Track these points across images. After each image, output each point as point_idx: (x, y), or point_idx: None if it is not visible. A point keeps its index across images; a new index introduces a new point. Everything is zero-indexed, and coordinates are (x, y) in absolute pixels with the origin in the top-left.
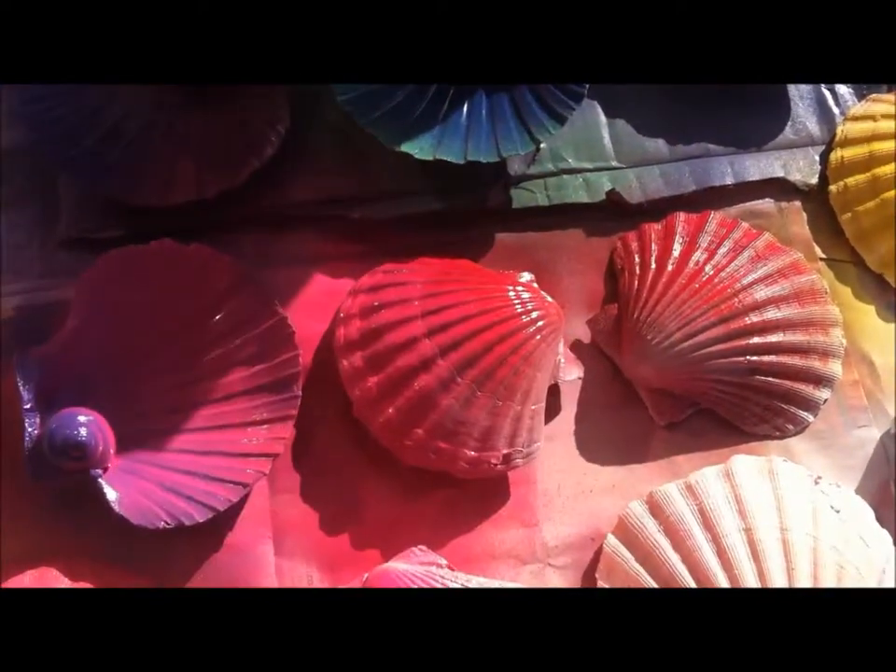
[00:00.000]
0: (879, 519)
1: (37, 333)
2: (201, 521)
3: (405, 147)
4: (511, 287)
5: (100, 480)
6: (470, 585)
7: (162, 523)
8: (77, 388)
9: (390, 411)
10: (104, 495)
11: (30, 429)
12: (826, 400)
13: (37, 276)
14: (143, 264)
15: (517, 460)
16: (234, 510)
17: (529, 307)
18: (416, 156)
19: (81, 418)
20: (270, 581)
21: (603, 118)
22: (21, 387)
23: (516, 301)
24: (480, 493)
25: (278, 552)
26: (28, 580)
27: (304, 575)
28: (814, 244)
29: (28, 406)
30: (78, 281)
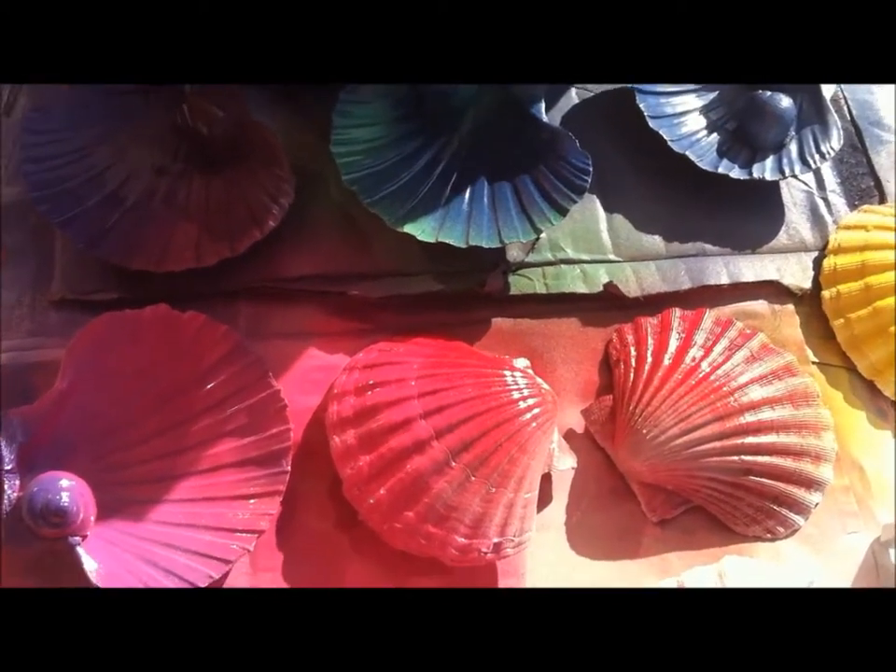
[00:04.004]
0: None
1: (22, 393)
2: None
3: (408, 228)
4: (508, 372)
5: (78, 548)
6: None
7: None
8: (60, 452)
9: (381, 492)
10: (81, 564)
11: (9, 491)
12: (817, 504)
13: (26, 335)
14: (137, 329)
15: (507, 549)
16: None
17: (526, 393)
18: (419, 237)
19: (63, 483)
20: None
21: (602, 211)
22: (3, 447)
23: (513, 387)
24: (466, 584)
25: None
26: None
27: None
28: (806, 347)
29: (9, 467)
30: (70, 342)
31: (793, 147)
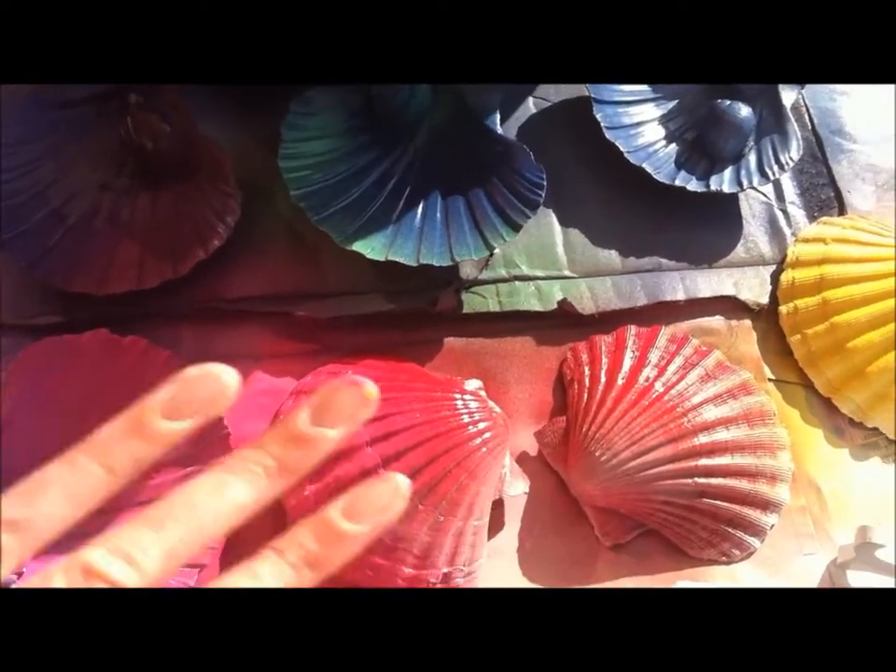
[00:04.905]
0: None
1: None
2: None
3: (357, 247)
4: (458, 396)
5: (13, 586)
6: None
7: None
8: None
9: None
10: None
11: None
12: (773, 526)
13: None
14: (76, 354)
15: (457, 579)
16: None
17: (476, 417)
18: (368, 256)
19: None
20: None
21: (558, 226)
22: None
23: (463, 411)
24: None
25: None
26: None
27: None
28: (763, 364)
29: None
30: (6, 371)
31: (752, 158)
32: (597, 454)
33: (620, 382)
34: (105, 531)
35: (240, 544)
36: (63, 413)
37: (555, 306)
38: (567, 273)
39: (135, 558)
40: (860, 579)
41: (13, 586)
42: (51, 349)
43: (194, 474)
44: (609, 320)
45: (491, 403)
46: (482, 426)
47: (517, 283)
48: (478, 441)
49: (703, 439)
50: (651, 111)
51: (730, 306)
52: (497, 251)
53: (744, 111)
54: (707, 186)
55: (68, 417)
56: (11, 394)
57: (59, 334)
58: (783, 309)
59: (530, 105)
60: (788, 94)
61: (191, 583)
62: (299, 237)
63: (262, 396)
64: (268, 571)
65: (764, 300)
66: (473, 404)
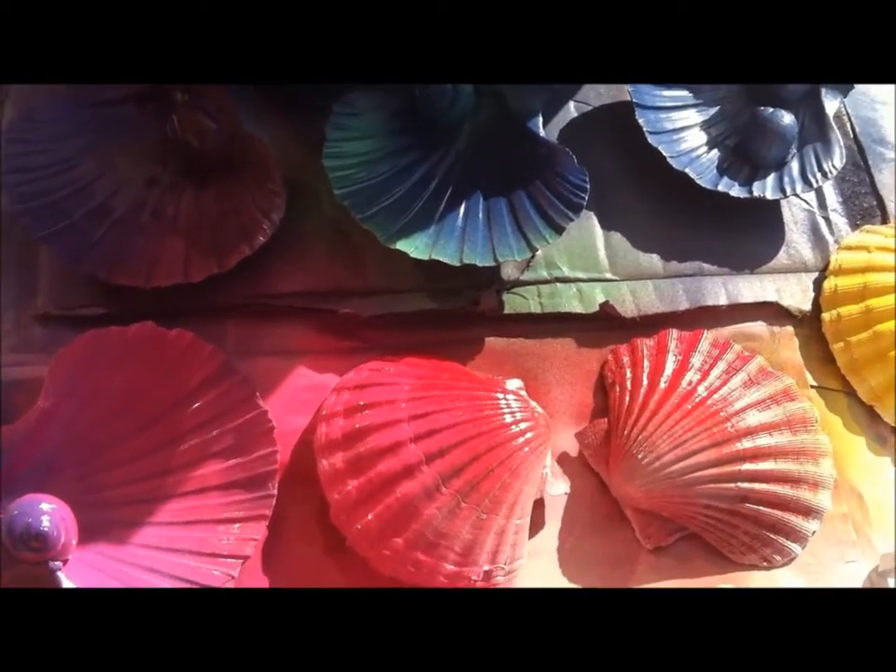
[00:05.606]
0: None
1: (4, 410)
2: None
3: (400, 245)
4: (501, 395)
5: (59, 573)
6: None
7: None
8: (42, 472)
9: (369, 518)
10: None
11: None
12: (815, 532)
13: (10, 350)
14: (122, 347)
15: (498, 577)
16: None
17: (518, 417)
18: (411, 255)
19: (44, 506)
20: None
21: (599, 229)
22: None
23: (505, 410)
24: None
25: None
26: None
27: None
28: (805, 370)
29: None
30: (53, 360)
31: (795, 165)
32: (640, 456)
33: (662, 385)
34: (152, 520)
35: (283, 536)
36: (108, 403)
37: (597, 308)
38: (608, 275)
39: None
40: None
41: (59, 573)
42: (98, 340)
43: (237, 467)
44: (651, 324)
45: (533, 403)
46: (524, 425)
47: (558, 285)
48: (520, 440)
49: (746, 444)
50: (693, 116)
51: (772, 312)
52: (538, 252)
53: (786, 118)
54: (751, 192)
55: (113, 409)
56: (56, 385)
57: (103, 326)
58: (826, 316)
59: (571, 110)
60: (830, 103)
61: (235, 574)
62: (342, 235)
63: (305, 391)
64: None
65: (807, 307)
66: (515, 404)
